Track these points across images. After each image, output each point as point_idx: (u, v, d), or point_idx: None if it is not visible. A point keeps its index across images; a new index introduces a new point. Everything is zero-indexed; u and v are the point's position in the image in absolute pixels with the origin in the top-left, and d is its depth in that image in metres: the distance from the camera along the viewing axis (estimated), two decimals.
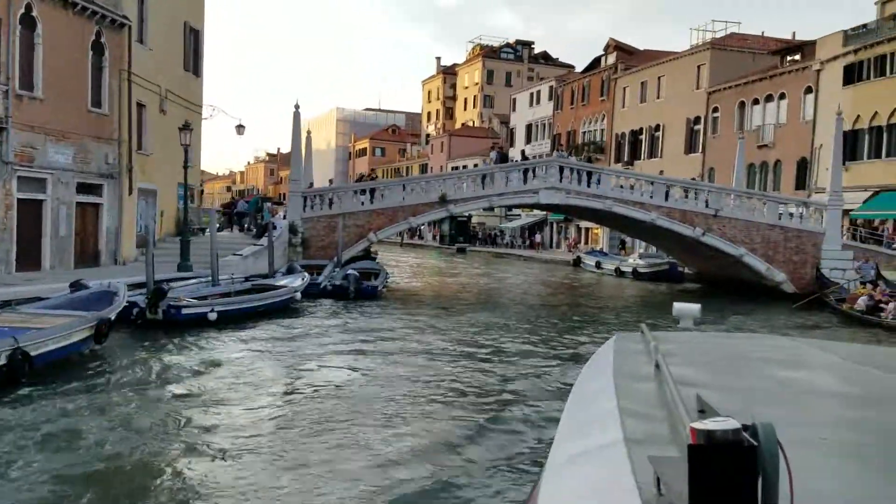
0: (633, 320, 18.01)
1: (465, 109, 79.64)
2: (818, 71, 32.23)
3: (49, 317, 11.23)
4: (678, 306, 3.49)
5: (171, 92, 25.74)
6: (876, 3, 32.71)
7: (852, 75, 29.64)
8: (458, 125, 77.65)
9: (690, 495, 1.28)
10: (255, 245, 23.24)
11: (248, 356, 12.66)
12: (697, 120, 41.65)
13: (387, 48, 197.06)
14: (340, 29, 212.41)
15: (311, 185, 30.09)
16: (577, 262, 40.98)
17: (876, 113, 28.18)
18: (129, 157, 22.64)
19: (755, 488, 1.28)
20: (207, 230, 31.64)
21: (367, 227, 25.46)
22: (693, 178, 33.60)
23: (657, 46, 52.33)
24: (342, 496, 6.34)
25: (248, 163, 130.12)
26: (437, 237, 65.15)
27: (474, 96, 77.77)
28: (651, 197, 25.96)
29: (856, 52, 29.34)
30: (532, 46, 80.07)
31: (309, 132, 31.10)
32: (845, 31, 30.24)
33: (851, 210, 26.94)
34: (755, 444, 1.30)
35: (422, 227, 68.98)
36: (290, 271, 20.74)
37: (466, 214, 57.09)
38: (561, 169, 26.41)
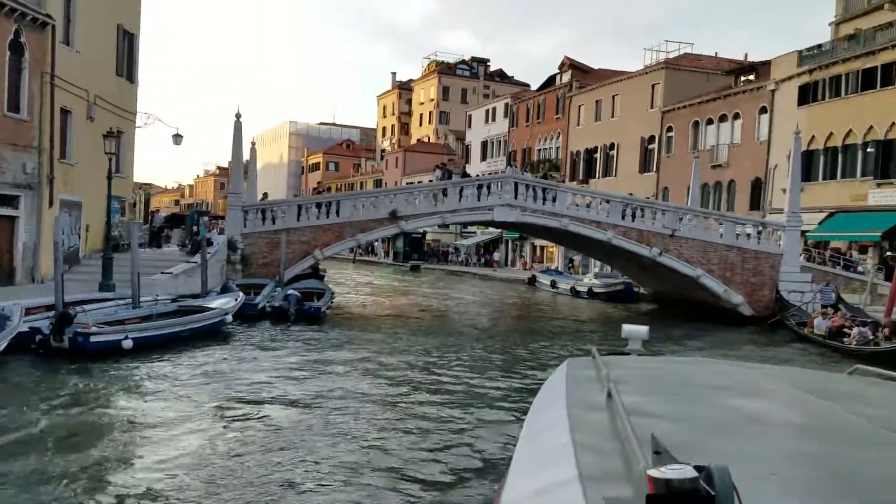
0: (589, 342, 17.58)
1: (420, 125, 78.80)
2: (773, 91, 32.15)
3: None
4: (627, 328, 3.55)
5: (101, 98, 23.97)
6: (830, 24, 32.88)
7: (807, 96, 29.54)
8: (413, 141, 76.72)
9: None
10: (188, 262, 21.57)
11: (165, 391, 11.18)
12: (652, 139, 41.44)
13: (342, 63, 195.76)
14: (296, 44, 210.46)
15: (266, 196, 28.58)
16: (532, 281, 40.22)
17: (831, 134, 28.04)
18: (49, 166, 20.80)
19: None
20: (148, 245, 29.97)
21: (313, 243, 24.06)
22: (647, 198, 33.11)
23: (611, 67, 52.37)
24: None
25: (198, 176, 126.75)
26: (391, 254, 63.80)
27: (430, 112, 77.01)
28: (608, 216, 25.23)
29: (811, 72, 29.26)
30: (488, 64, 79.86)
31: (253, 143, 29.65)
32: (800, 52, 30.19)
33: (807, 231, 26.61)
34: (712, 493, 1.33)
35: (375, 244, 67.80)
36: (224, 291, 19.19)
37: (421, 231, 56.02)
38: (516, 185, 25.52)
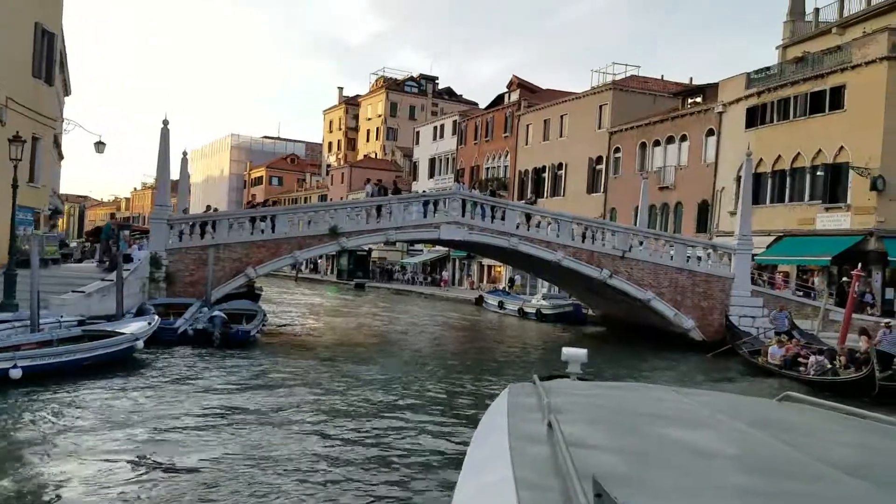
0: (535, 367, 16.76)
1: (367, 141, 77.48)
2: (720, 113, 32.04)
3: None
4: (567, 351, 3.63)
5: (13, 100, 21.95)
6: (777, 48, 33.06)
7: (755, 118, 29.42)
8: (360, 156, 75.31)
9: None
10: (103, 280, 19.66)
11: (57, 428, 9.58)
12: (599, 160, 41.11)
13: (289, 78, 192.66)
14: (242, 59, 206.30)
15: (209, 208, 26.87)
16: (480, 302, 39.20)
17: (779, 157, 27.90)
18: None
19: None
20: (68, 259, 27.61)
21: (245, 260, 22.43)
22: (596, 219, 32.52)
23: (559, 88, 52.24)
24: None
25: (135, 189, 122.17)
26: (335, 271, 62.02)
27: (377, 128, 75.80)
28: (558, 236, 24.38)
29: (759, 94, 29.17)
30: (436, 81, 79.27)
31: (185, 153, 27.86)
32: (748, 74, 30.12)
33: (755, 255, 26.27)
34: None
35: (319, 261, 65.85)
36: (140, 313, 17.44)
37: (366, 248, 54.53)
38: (464, 203, 24.48)
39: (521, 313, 33.74)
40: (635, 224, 29.59)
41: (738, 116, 30.60)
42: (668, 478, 1.95)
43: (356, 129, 79.88)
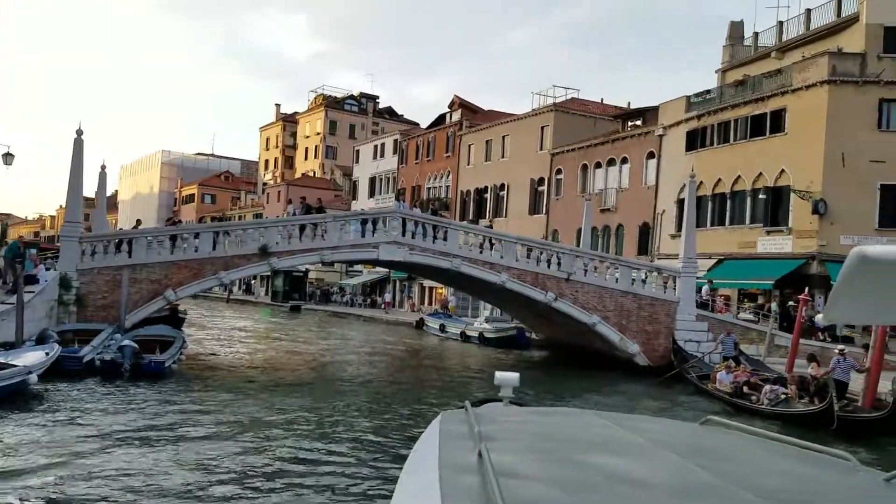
0: (475, 392, 16.65)
1: (305, 159, 75.71)
2: (661, 136, 32.04)
3: None
4: (500, 375, 3.67)
5: None
6: (717, 72, 33.35)
7: (695, 141, 29.43)
8: (298, 174, 73.45)
9: None
10: (3, 304, 17.68)
11: None
12: (541, 181, 40.77)
13: (224, 96, 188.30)
14: (174, 74, 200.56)
15: (139, 223, 24.89)
16: (421, 325, 38.00)
17: (719, 180, 27.88)
18: None
19: None
20: None
21: (165, 282, 20.72)
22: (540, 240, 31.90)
23: (501, 109, 52.03)
24: None
25: (60, 206, 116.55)
26: (270, 293, 59.79)
27: (316, 146, 74.18)
28: (502, 257, 23.52)
29: (699, 117, 29.21)
30: (377, 101, 78.32)
31: (103, 167, 26.08)
32: (688, 97, 30.19)
33: (697, 278, 25.99)
34: None
35: (252, 282, 63.48)
36: (40, 340, 15.61)
37: (303, 269, 52.66)
38: (404, 222, 23.39)
39: (464, 337, 32.73)
40: (578, 246, 29.08)
41: (678, 139, 30.60)
42: None
43: (294, 147, 78.07)
